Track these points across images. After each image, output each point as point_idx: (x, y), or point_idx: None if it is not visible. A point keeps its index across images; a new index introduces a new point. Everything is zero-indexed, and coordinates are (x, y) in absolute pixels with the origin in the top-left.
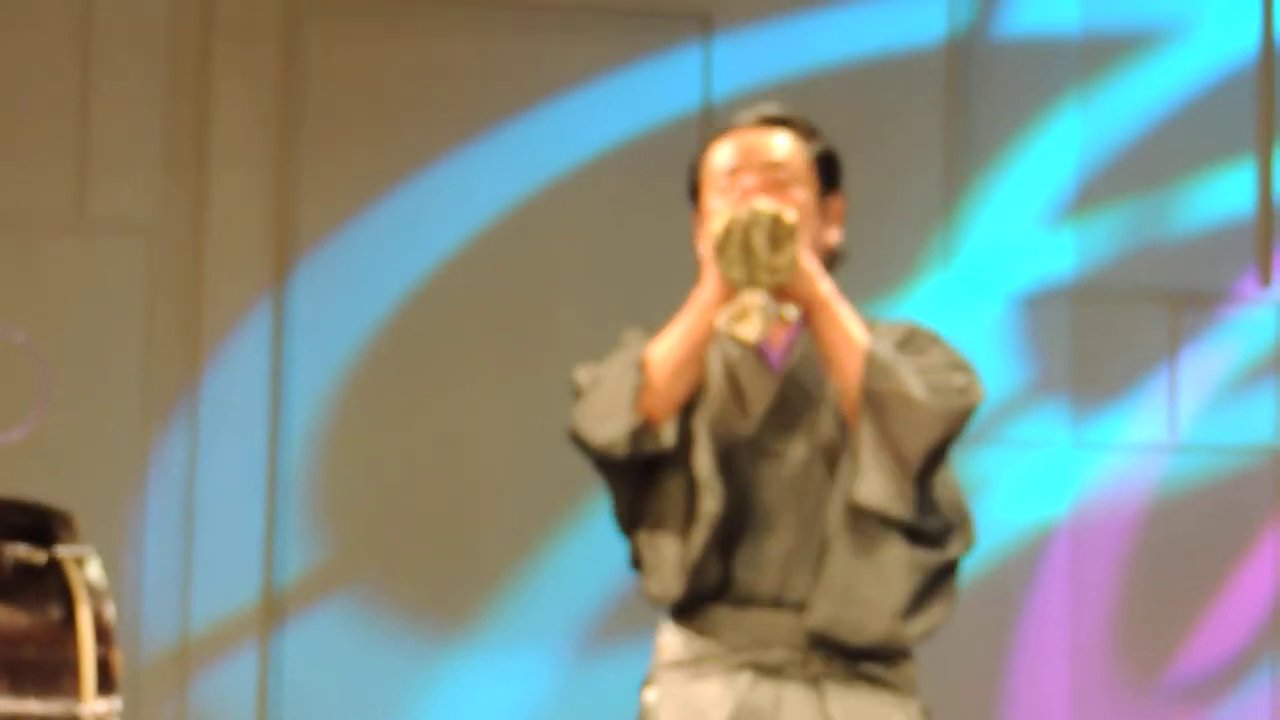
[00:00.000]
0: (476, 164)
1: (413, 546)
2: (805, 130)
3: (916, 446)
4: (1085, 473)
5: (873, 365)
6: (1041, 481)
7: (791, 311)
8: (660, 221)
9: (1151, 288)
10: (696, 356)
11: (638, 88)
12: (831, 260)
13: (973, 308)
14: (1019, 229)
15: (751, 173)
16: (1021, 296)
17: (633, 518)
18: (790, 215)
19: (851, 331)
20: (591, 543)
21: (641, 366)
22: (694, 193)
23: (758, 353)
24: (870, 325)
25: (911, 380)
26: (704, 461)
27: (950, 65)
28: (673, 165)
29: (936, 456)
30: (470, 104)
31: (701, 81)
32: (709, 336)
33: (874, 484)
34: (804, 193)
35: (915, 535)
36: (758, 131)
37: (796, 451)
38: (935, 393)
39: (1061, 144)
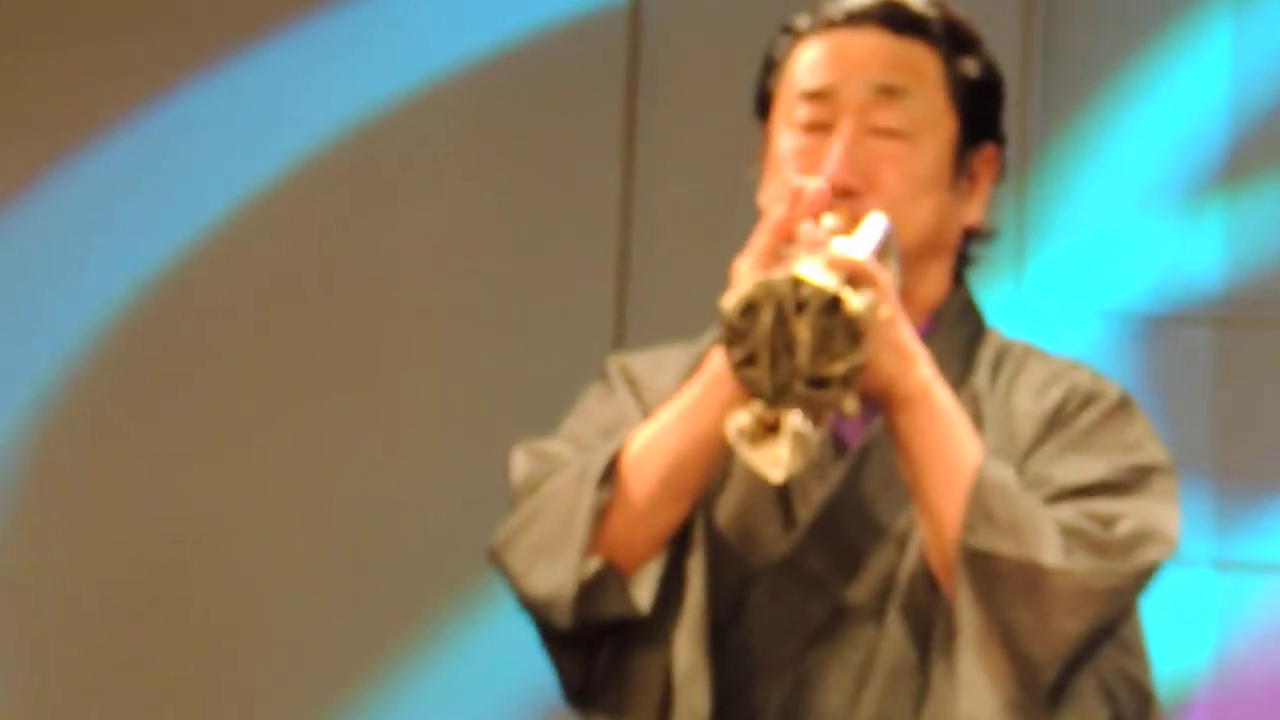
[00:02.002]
0: (263, 73)
1: (146, 690)
2: (950, 36)
3: (1052, 645)
4: (1236, 607)
5: (978, 508)
6: (1168, 622)
7: (852, 405)
8: (580, 160)
9: None
10: (696, 471)
11: None
12: (963, 256)
13: (1054, 337)
14: (1126, 218)
15: (846, 113)
16: (1130, 319)
17: (584, 701)
18: (858, 303)
19: (952, 445)
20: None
21: (607, 477)
22: (763, 108)
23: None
24: (1001, 352)
25: (1044, 532)
26: (687, 640)
27: None
28: (593, 77)
29: (1088, 648)
30: None
31: None
32: (718, 444)
33: (979, 703)
34: (925, 151)
35: None
36: (868, 34)
37: (860, 595)
38: (1086, 550)
39: (1196, 83)
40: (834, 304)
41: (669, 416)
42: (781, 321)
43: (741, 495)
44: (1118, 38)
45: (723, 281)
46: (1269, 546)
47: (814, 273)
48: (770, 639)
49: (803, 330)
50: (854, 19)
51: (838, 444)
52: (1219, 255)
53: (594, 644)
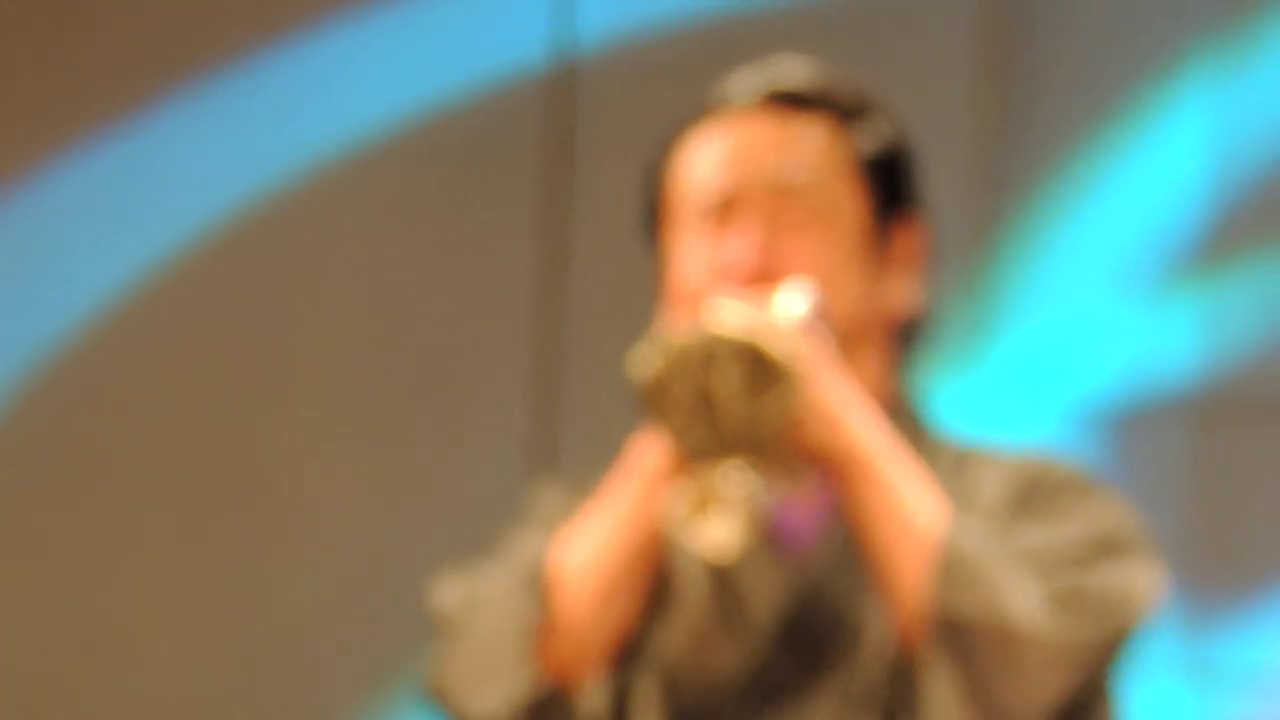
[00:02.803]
0: (163, 140)
1: None
2: (844, 110)
3: (1023, 706)
4: (1208, 714)
5: (949, 568)
6: None
7: (801, 482)
8: (488, 240)
9: None
10: (637, 569)
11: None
12: (901, 338)
13: (1013, 433)
14: (1093, 304)
15: (747, 212)
16: (1096, 415)
17: None
18: (780, 348)
19: (911, 507)
20: None
21: (542, 588)
22: (650, 222)
23: (765, 530)
24: (958, 460)
25: (1015, 593)
26: None
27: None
28: (510, 150)
29: (1067, 711)
30: (159, 43)
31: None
32: (655, 543)
33: None
34: (835, 232)
35: None
36: (762, 122)
37: (823, 705)
38: (1059, 612)
39: (1171, 159)
40: (752, 352)
41: (599, 519)
42: (700, 375)
43: (691, 606)
44: (1087, 109)
45: None
46: (1243, 653)
47: (726, 324)
48: None
49: (725, 381)
50: (741, 110)
51: (788, 543)
52: (1194, 346)
53: None
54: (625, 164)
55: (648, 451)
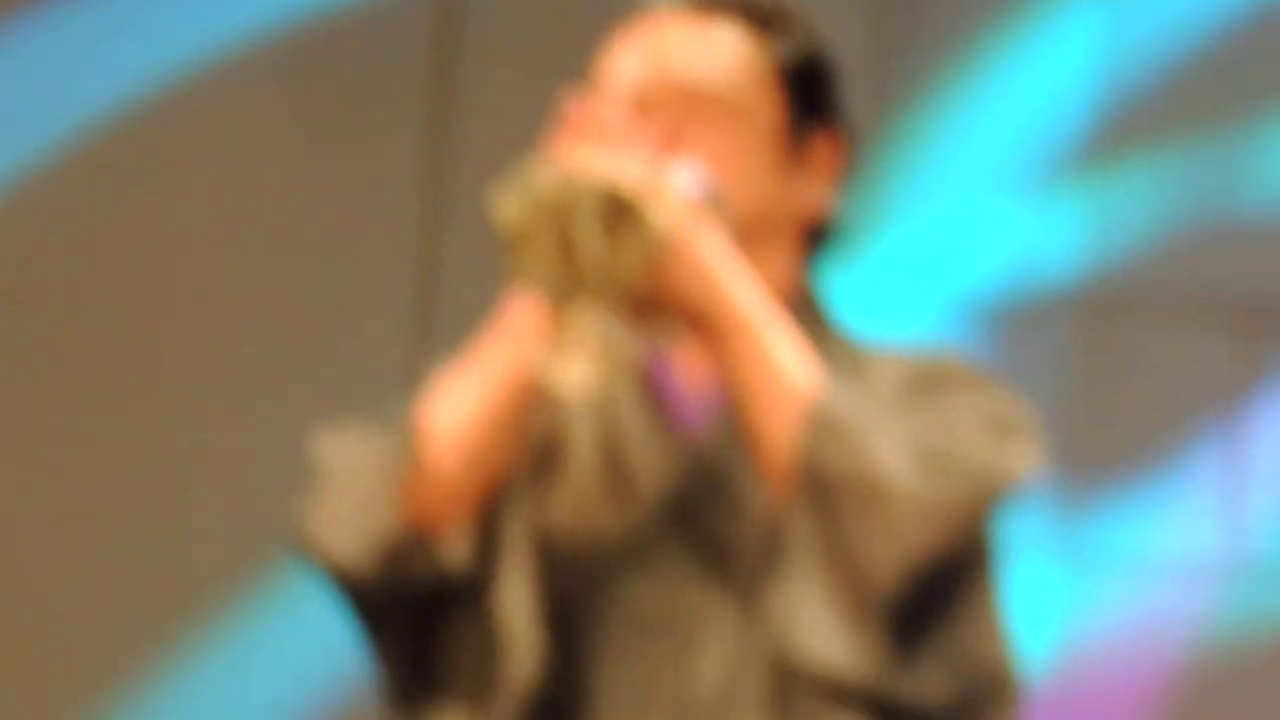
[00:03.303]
0: (21, 49)
1: None
2: (769, 19)
3: (889, 564)
4: (1084, 606)
5: (818, 425)
6: (1014, 613)
7: (667, 341)
8: (372, 157)
9: (1211, 297)
10: (508, 419)
11: None
12: (809, 240)
13: (898, 327)
14: (978, 200)
15: (660, 106)
16: (982, 308)
17: (405, 692)
18: (639, 177)
19: (783, 367)
20: None
21: (413, 438)
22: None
23: (655, 404)
24: (853, 356)
25: (886, 449)
26: (515, 593)
27: None
28: (398, 61)
29: (933, 577)
30: None
31: None
32: (527, 389)
33: (814, 628)
34: (746, 133)
35: (894, 715)
36: (678, 26)
37: (700, 576)
38: (930, 471)
39: (1059, 59)
40: (611, 197)
41: (473, 371)
42: (559, 221)
43: (577, 474)
44: (977, 7)
45: None
46: (1115, 537)
47: (590, 167)
48: (606, 630)
49: (583, 219)
50: (663, 10)
51: (674, 416)
52: (1078, 241)
53: (412, 613)
54: (512, 66)
55: (522, 307)
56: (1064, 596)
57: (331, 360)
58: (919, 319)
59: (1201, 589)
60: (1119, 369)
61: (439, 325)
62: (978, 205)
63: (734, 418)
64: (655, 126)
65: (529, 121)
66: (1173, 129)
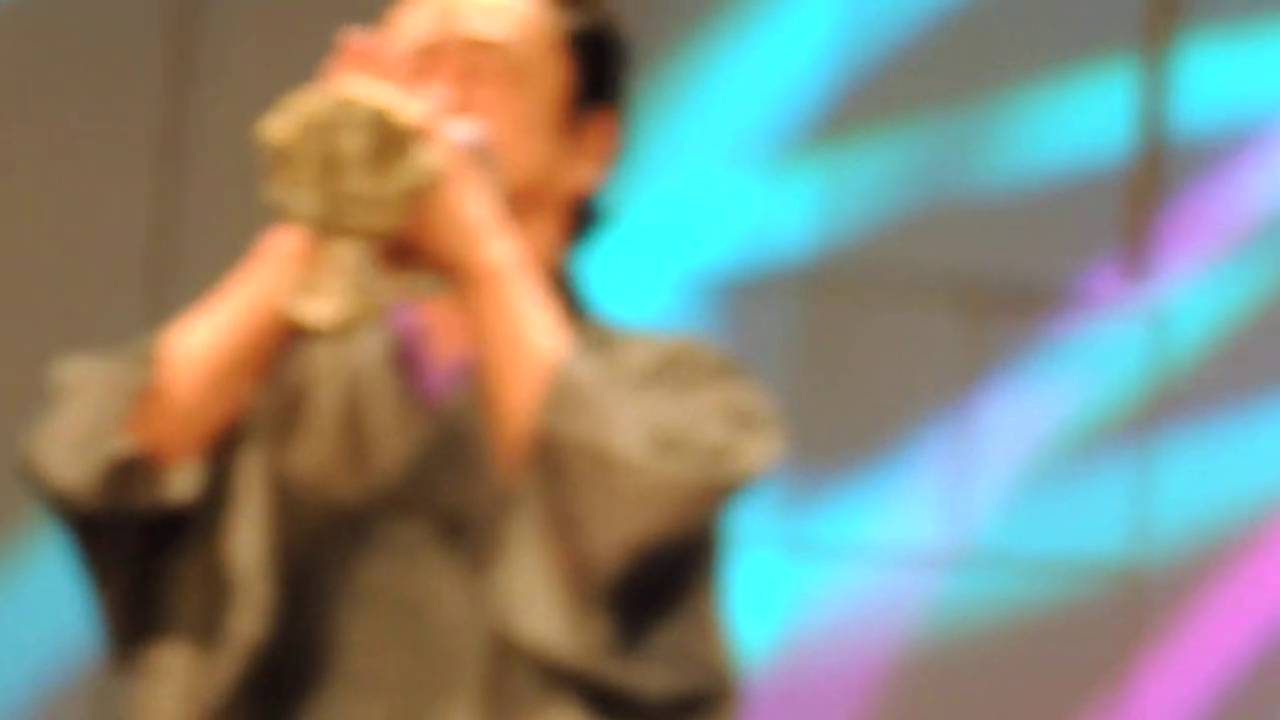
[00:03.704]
0: None
1: None
2: None
3: (611, 538)
4: (807, 596)
5: (558, 392)
6: (738, 602)
7: (424, 297)
8: (109, 117)
9: (939, 276)
10: (251, 352)
11: None
12: (573, 219)
13: (630, 303)
14: (711, 176)
15: (449, 67)
16: (714, 283)
17: (125, 630)
18: (412, 110)
19: (531, 331)
20: None
21: (151, 363)
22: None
23: (402, 365)
24: (603, 336)
25: (623, 427)
26: (246, 541)
27: None
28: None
29: (658, 563)
30: None
31: None
32: (274, 323)
33: (534, 606)
34: (529, 97)
35: (611, 702)
36: None
37: (435, 547)
38: (663, 453)
39: (793, 34)
40: (383, 115)
41: (222, 301)
42: (325, 139)
43: (319, 433)
44: None
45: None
46: (840, 525)
47: (365, 91)
48: (332, 593)
49: (353, 142)
50: None
51: (419, 382)
52: (808, 220)
53: (136, 547)
54: (253, 29)
55: (278, 238)
56: (787, 586)
57: (67, 321)
58: (652, 294)
59: (926, 577)
60: (848, 347)
61: (173, 295)
62: (711, 180)
63: (480, 383)
64: (439, 78)
65: (270, 83)
66: (905, 109)
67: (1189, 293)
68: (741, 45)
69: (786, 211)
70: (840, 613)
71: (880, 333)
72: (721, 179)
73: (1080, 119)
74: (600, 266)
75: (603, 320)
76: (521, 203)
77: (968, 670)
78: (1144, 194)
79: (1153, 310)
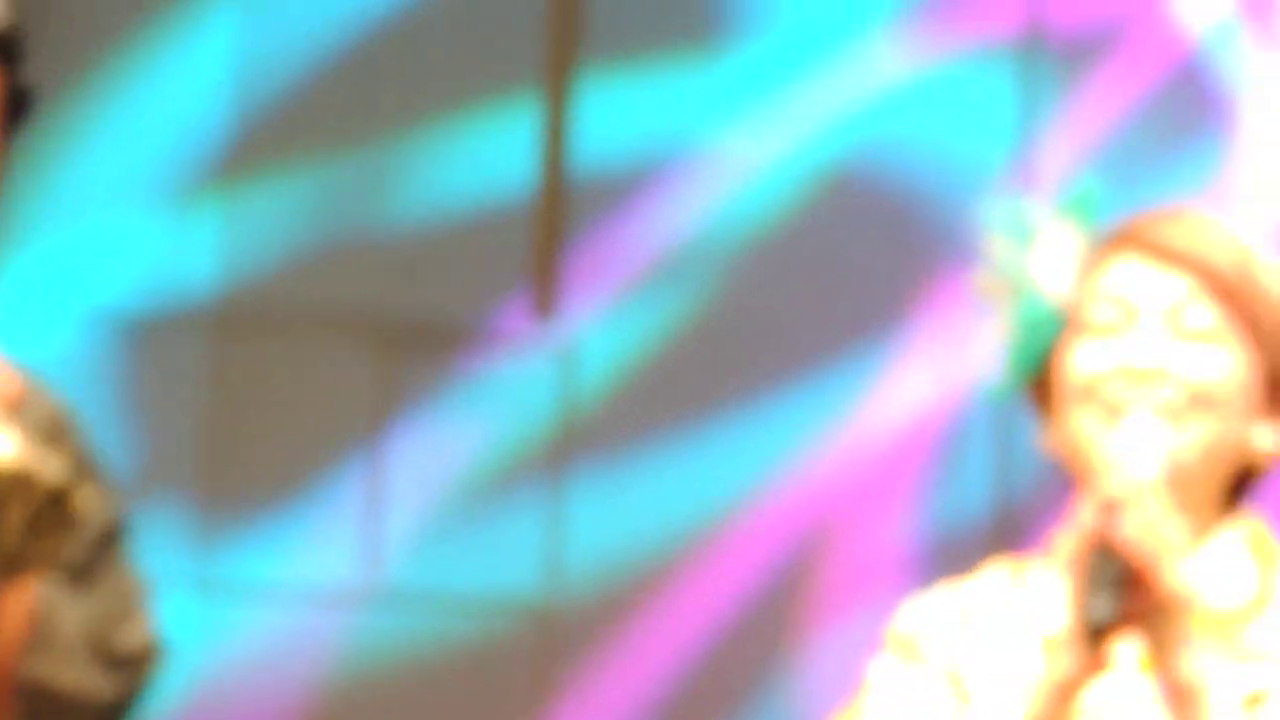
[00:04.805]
0: None
1: None
2: None
3: None
4: (220, 636)
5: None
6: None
7: None
8: None
9: (347, 313)
10: None
11: None
12: None
13: (33, 342)
14: (112, 213)
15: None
16: (114, 323)
17: None
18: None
19: None
20: None
21: None
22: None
23: None
24: None
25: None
26: None
27: None
28: None
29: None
30: None
31: None
32: None
33: None
34: None
35: None
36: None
37: None
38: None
39: (194, 72)
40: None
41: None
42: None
43: None
44: (111, 18)
45: None
46: (252, 566)
47: None
48: None
49: None
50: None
51: None
52: (213, 257)
53: None
54: None
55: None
56: (200, 628)
57: None
58: (55, 333)
59: (340, 616)
60: (257, 386)
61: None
62: (114, 218)
63: None
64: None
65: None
66: (308, 145)
67: (595, 329)
68: (140, 81)
69: (190, 249)
70: (254, 654)
71: (289, 371)
72: (124, 216)
73: (486, 155)
74: (2, 304)
75: None
76: None
77: (383, 709)
78: (550, 231)
79: (560, 347)
